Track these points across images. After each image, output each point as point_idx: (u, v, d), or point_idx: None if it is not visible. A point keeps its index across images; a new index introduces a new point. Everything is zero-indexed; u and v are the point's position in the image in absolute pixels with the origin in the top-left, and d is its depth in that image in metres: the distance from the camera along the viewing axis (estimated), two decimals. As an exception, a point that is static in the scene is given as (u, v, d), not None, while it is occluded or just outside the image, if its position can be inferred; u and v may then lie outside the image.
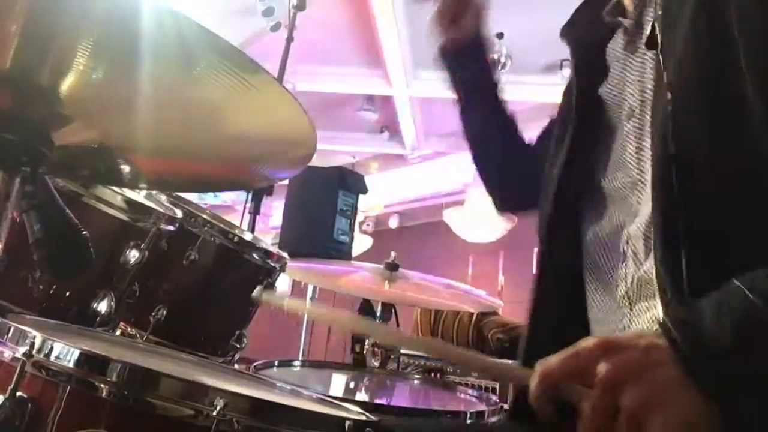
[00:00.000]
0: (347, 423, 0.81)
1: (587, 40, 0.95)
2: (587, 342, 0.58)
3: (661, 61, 0.71)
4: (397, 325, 2.35)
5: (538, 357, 0.61)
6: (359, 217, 5.98)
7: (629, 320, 0.80)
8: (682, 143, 0.67)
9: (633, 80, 0.84)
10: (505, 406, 1.49)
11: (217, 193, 7.83)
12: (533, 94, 5.12)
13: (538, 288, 0.95)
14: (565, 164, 0.92)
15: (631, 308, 0.80)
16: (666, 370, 0.54)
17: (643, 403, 0.53)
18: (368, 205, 6.93)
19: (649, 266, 0.76)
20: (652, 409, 0.53)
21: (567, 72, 4.61)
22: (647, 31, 0.79)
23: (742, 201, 0.64)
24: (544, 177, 0.99)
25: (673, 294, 0.66)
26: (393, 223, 7.61)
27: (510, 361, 0.67)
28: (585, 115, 0.91)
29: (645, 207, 0.78)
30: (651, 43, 0.76)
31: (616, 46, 0.90)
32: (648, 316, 0.77)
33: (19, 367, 0.72)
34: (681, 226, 0.65)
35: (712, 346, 0.53)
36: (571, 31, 0.99)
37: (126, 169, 0.89)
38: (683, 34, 0.69)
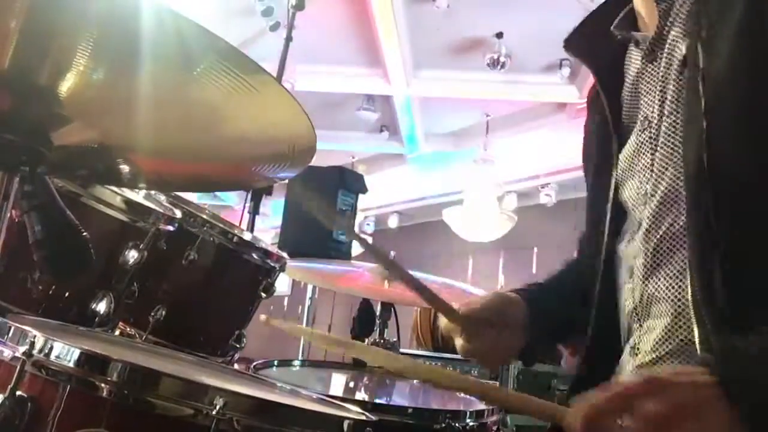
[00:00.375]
0: (347, 423, 0.81)
1: (604, 60, 0.93)
2: (633, 379, 0.59)
3: (700, 83, 0.69)
4: (397, 325, 2.35)
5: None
6: (359, 217, 5.99)
7: (638, 338, 0.80)
8: (718, 166, 0.67)
9: (650, 90, 0.83)
10: (505, 406, 1.49)
11: (216, 193, 7.83)
12: (533, 94, 5.13)
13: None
14: (615, 190, 0.88)
15: (640, 324, 0.80)
16: (716, 409, 0.54)
17: None
18: (367, 205, 6.93)
19: (658, 283, 0.76)
20: None
21: (567, 72, 4.65)
22: (680, 48, 0.77)
23: None
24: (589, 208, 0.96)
25: (712, 324, 0.65)
26: (393, 223, 7.61)
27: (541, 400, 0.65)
28: (620, 128, 0.89)
29: (647, 220, 0.78)
30: (687, 63, 0.75)
31: (630, 56, 0.90)
32: (655, 336, 0.76)
33: (19, 367, 0.72)
34: (718, 253, 0.65)
35: (761, 387, 0.54)
36: (579, 46, 0.97)
37: (125, 169, 0.89)
38: (725, 57, 0.68)
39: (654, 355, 0.75)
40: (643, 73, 0.85)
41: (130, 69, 0.64)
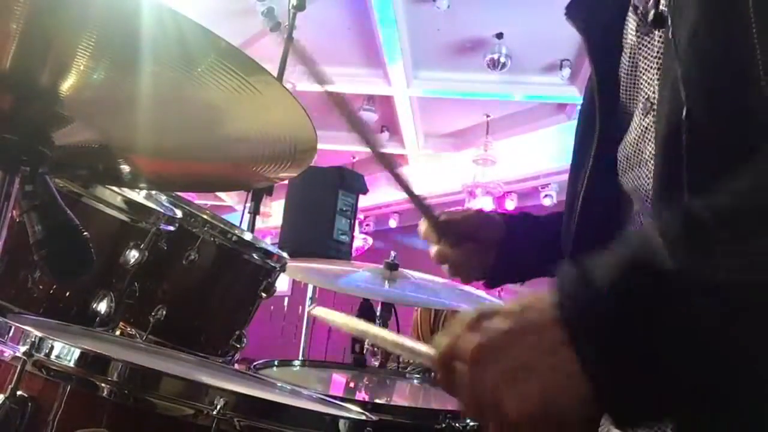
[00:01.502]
0: (347, 422, 0.81)
1: (598, 20, 0.84)
2: (466, 315, 0.53)
3: (672, 40, 0.63)
4: (397, 325, 2.35)
5: None
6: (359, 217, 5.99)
7: None
8: (693, 110, 0.59)
9: (649, 67, 0.74)
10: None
11: (217, 193, 7.84)
12: (533, 94, 5.13)
13: None
14: (592, 170, 0.82)
15: None
16: (551, 330, 0.48)
17: (504, 379, 0.48)
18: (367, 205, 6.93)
19: None
20: (514, 384, 0.48)
21: (567, 72, 4.65)
22: (662, 9, 0.69)
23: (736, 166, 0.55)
24: (568, 194, 0.91)
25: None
26: (393, 223, 7.60)
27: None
28: (610, 105, 0.80)
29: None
30: (658, 22, 0.69)
31: (628, 28, 0.80)
32: None
33: (19, 367, 0.72)
34: (683, 180, 0.59)
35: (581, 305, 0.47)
36: (578, 12, 0.88)
37: (126, 169, 0.89)
38: (692, 12, 0.62)
39: None
40: (640, 47, 0.76)
41: (131, 69, 0.64)
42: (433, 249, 1.02)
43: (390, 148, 6.52)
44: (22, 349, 0.73)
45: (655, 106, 0.70)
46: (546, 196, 6.18)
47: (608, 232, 0.67)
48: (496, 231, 1.03)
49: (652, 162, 0.70)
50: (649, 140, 0.72)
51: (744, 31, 0.57)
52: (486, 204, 5.78)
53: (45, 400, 0.73)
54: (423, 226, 1.02)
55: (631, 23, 0.78)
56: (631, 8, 0.79)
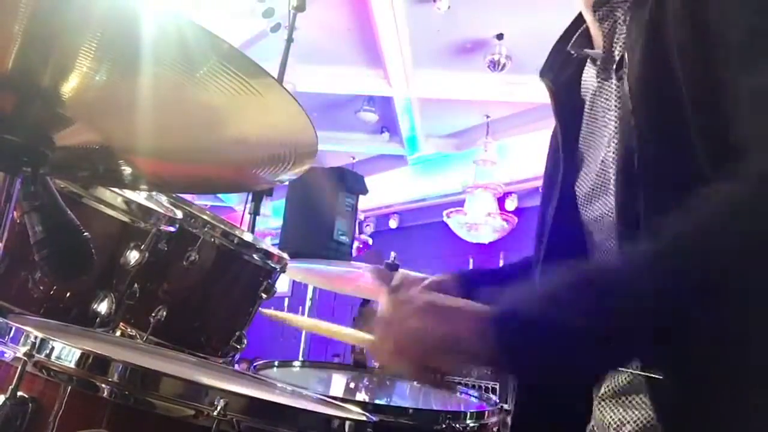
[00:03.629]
0: (347, 423, 0.81)
1: (562, 78, 0.95)
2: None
3: (626, 84, 0.74)
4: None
5: None
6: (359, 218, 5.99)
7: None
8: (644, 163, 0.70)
9: (608, 107, 0.83)
10: (506, 406, 1.49)
11: (217, 194, 7.84)
12: (533, 94, 5.13)
13: None
14: (557, 207, 0.91)
15: None
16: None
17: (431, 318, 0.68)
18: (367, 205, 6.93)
19: None
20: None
21: (567, 73, 4.65)
22: (617, 57, 0.81)
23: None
24: (538, 226, 1.00)
25: None
26: (393, 224, 7.60)
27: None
28: (572, 157, 0.91)
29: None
30: (619, 68, 0.79)
31: (588, 76, 0.90)
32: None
33: (20, 367, 0.72)
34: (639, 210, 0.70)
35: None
36: (547, 73, 0.98)
37: (127, 170, 0.89)
38: (638, 58, 0.72)
39: None
40: (600, 91, 0.85)
41: (133, 71, 0.64)
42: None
43: (390, 148, 6.53)
44: (23, 349, 0.73)
45: (614, 140, 0.80)
46: (546, 196, 6.17)
47: (572, 259, 0.80)
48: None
49: (612, 189, 0.81)
50: (611, 171, 0.81)
51: (674, 80, 0.67)
52: (487, 204, 5.78)
53: (45, 400, 0.73)
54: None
55: (591, 72, 0.89)
56: (588, 61, 0.90)
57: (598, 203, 0.84)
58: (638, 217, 0.70)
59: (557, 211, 0.91)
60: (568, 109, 0.92)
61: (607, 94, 0.84)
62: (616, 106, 0.80)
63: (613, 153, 0.80)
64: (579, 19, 0.93)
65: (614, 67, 0.81)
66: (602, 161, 0.83)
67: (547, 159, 1.01)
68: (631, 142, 0.72)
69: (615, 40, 0.82)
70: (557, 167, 0.92)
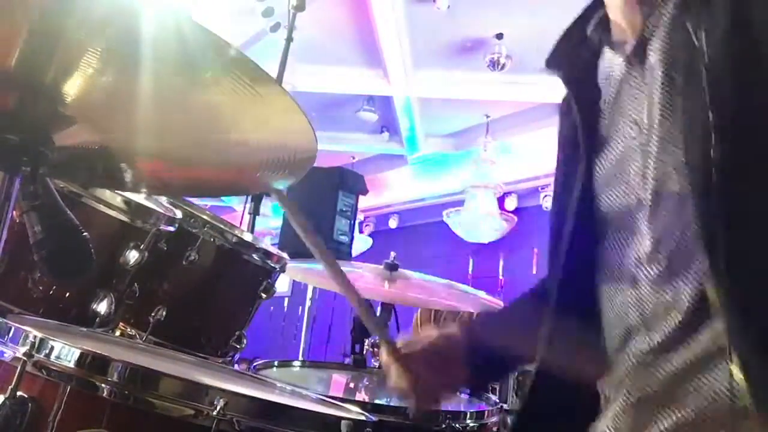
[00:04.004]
0: (347, 423, 0.81)
1: (577, 64, 0.93)
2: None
3: (705, 82, 0.69)
4: (397, 325, 2.35)
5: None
6: (359, 218, 5.99)
7: (644, 341, 0.78)
8: (726, 168, 0.66)
9: (637, 95, 0.82)
10: (506, 406, 1.49)
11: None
12: (533, 94, 5.13)
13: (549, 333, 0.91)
14: (580, 201, 0.88)
15: (648, 329, 0.77)
16: None
17: None
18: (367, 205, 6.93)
19: (675, 294, 0.73)
20: None
21: (567, 72, 4.64)
22: (667, 53, 0.78)
23: None
24: (553, 220, 0.96)
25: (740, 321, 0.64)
26: (393, 223, 7.60)
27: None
28: (594, 144, 0.88)
29: (647, 227, 0.77)
30: (683, 67, 0.75)
31: (607, 62, 0.89)
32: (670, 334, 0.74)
33: (19, 367, 0.72)
34: (725, 254, 0.65)
35: None
36: (557, 61, 0.98)
37: (126, 172, 0.89)
38: (720, 54, 0.69)
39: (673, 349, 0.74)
40: (628, 78, 0.84)
41: (136, 72, 0.64)
42: (391, 380, 1.01)
43: (390, 148, 6.53)
44: (23, 349, 0.73)
45: (643, 129, 0.79)
46: (546, 196, 6.17)
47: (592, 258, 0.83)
48: (456, 348, 1.03)
49: (633, 180, 0.80)
50: (633, 160, 0.80)
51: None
52: (487, 204, 5.78)
53: (45, 400, 0.73)
54: (383, 356, 1.04)
55: (615, 60, 0.87)
56: (607, 46, 0.89)
57: (616, 191, 0.83)
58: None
59: (579, 203, 0.88)
60: (586, 98, 0.90)
61: (635, 82, 0.82)
62: (648, 96, 0.79)
63: (640, 148, 0.79)
64: (592, 7, 0.91)
65: (650, 55, 0.79)
66: (623, 150, 0.82)
67: (558, 155, 1.00)
68: (706, 151, 0.67)
69: (651, 27, 0.80)
70: (574, 160, 0.90)
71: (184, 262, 1.42)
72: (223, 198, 8.00)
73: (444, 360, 1.02)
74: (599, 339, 0.87)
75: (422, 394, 1.01)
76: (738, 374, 0.64)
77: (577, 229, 0.88)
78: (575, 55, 0.94)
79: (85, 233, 0.82)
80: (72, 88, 0.69)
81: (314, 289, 3.95)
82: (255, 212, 2.51)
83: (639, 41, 0.82)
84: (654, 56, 0.79)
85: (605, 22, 0.89)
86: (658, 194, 0.76)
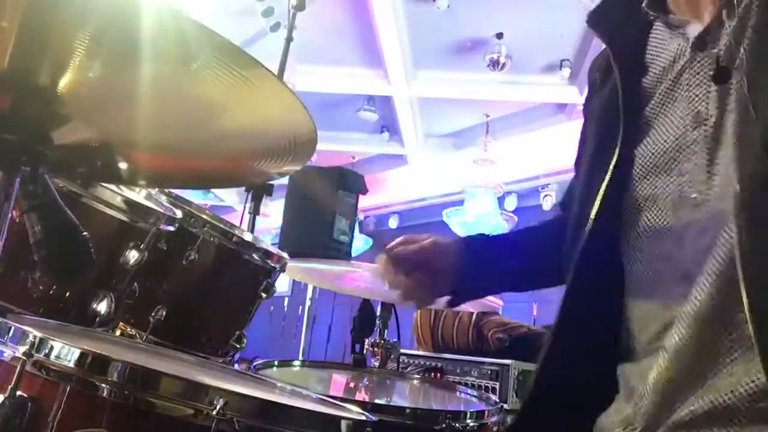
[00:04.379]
0: (347, 423, 0.81)
1: (623, 33, 0.87)
2: None
3: (745, 85, 0.67)
4: (397, 326, 2.35)
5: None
6: (359, 218, 5.99)
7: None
8: None
9: (700, 83, 0.76)
10: (506, 406, 1.49)
11: (217, 194, 7.84)
12: (533, 94, 5.13)
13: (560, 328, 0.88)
14: (610, 181, 0.82)
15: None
16: None
17: None
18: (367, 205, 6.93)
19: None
20: None
21: (567, 72, 4.65)
22: (736, 43, 0.71)
23: None
24: (575, 206, 0.92)
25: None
26: (393, 223, 7.61)
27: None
28: (635, 120, 0.82)
29: (705, 224, 0.72)
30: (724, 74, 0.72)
31: (664, 43, 0.83)
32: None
33: (19, 367, 0.72)
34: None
35: None
36: (603, 24, 0.91)
37: (124, 166, 0.89)
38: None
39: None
40: (691, 63, 0.77)
41: (127, 65, 0.64)
42: (388, 279, 1.10)
43: (390, 148, 6.53)
44: (22, 349, 0.73)
45: (707, 121, 0.74)
46: (546, 196, 6.18)
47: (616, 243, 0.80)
48: (449, 259, 1.10)
49: (693, 174, 0.74)
50: (696, 153, 0.74)
51: None
52: (487, 204, 5.78)
53: (45, 400, 0.73)
54: (379, 258, 1.12)
55: (673, 40, 0.82)
56: (662, 24, 0.83)
57: (663, 182, 0.78)
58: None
59: (611, 183, 0.82)
60: (630, 77, 0.84)
61: (696, 69, 0.77)
62: (707, 83, 0.74)
63: (705, 140, 0.73)
64: None
65: (722, 43, 0.73)
66: (677, 140, 0.77)
67: (588, 128, 0.95)
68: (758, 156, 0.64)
69: (724, 15, 0.73)
70: (612, 134, 0.83)
71: (184, 262, 1.42)
72: (223, 197, 8.00)
73: (434, 267, 1.09)
74: (618, 327, 0.84)
75: (408, 289, 1.09)
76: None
77: (601, 215, 0.83)
78: (623, 24, 0.88)
79: (85, 233, 0.82)
80: (66, 85, 0.68)
81: (314, 289, 3.95)
82: (255, 212, 2.51)
83: (711, 24, 0.75)
84: (727, 45, 0.72)
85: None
86: (723, 191, 0.70)
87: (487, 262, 1.10)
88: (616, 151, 0.83)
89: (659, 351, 0.75)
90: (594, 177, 0.86)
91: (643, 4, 0.85)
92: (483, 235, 1.14)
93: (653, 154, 0.80)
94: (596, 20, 0.92)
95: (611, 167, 0.83)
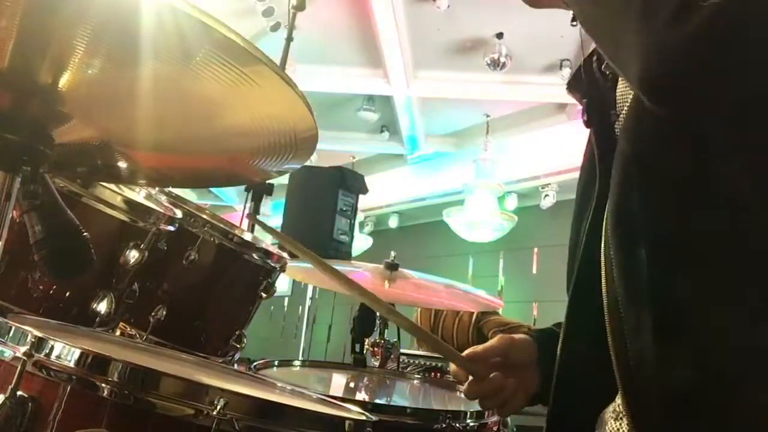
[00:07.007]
0: (347, 423, 0.81)
1: (597, 92, 0.93)
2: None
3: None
4: (398, 325, 2.35)
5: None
6: (359, 217, 5.99)
7: None
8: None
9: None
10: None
11: (217, 194, 7.84)
12: (533, 94, 5.13)
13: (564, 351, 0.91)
14: (591, 222, 0.88)
15: None
16: None
17: None
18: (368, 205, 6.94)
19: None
20: None
21: (567, 72, 4.64)
22: None
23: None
24: (571, 239, 0.97)
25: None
26: (393, 223, 7.60)
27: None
28: (608, 165, 0.86)
29: None
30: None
31: (620, 91, 0.89)
32: None
33: (19, 367, 0.72)
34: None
35: None
36: (577, 85, 0.97)
37: (124, 165, 0.89)
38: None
39: None
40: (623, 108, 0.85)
41: (127, 63, 0.64)
42: (464, 388, 0.98)
43: (390, 148, 6.53)
44: (22, 349, 0.73)
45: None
46: (546, 196, 6.17)
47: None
48: (525, 351, 1.01)
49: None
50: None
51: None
52: (487, 204, 5.77)
53: (45, 400, 0.73)
54: (452, 367, 1.02)
55: (627, 90, 0.87)
56: (621, 78, 0.89)
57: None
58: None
59: (593, 220, 0.88)
60: (601, 124, 0.90)
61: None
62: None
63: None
64: None
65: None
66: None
67: (581, 170, 1.00)
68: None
69: None
70: (593, 182, 0.90)
71: (184, 262, 1.42)
72: (223, 197, 8.00)
73: (511, 364, 0.99)
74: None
75: (497, 396, 0.97)
76: None
77: (588, 243, 0.88)
78: (596, 84, 0.93)
79: (85, 233, 0.82)
80: (66, 84, 0.68)
81: (314, 289, 3.95)
82: (255, 212, 2.51)
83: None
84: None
85: None
86: None
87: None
88: (594, 199, 0.89)
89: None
90: (580, 221, 0.94)
91: (602, 67, 0.91)
92: (550, 329, 1.06)
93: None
94: (573, 84, 0.97)
95: (591, 210, 0.90)
